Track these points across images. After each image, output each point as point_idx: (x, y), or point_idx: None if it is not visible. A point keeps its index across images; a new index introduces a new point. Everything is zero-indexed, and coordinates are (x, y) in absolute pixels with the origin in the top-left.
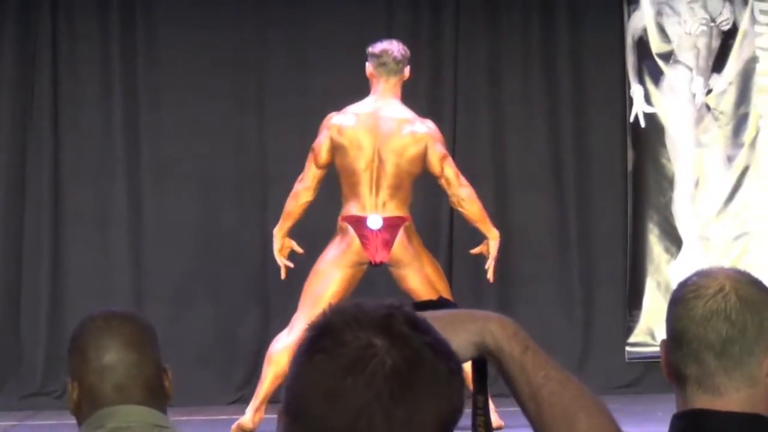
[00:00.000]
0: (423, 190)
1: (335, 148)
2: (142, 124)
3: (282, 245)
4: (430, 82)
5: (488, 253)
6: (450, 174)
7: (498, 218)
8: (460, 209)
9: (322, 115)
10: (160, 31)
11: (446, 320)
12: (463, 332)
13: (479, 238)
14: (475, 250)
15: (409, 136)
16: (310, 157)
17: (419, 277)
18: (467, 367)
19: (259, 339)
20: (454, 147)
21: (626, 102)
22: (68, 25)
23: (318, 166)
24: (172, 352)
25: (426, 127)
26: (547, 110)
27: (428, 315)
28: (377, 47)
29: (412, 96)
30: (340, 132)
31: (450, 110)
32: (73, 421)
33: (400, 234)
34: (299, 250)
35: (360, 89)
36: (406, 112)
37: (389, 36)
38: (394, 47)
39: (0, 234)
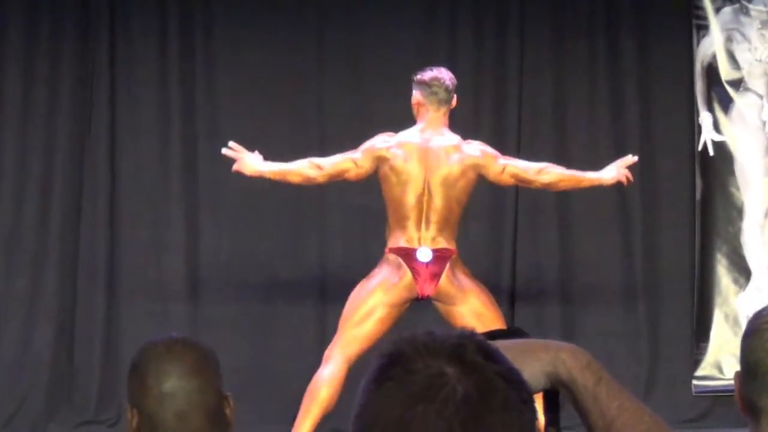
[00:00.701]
0: (483, 221)
1: (381, 177)
2: (200, 149)
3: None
4: (493, 108)
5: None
6: (516, 171)
7: (562, 249)
8: (553, 187)
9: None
10: (218, 56)
11: (518, 349)
12: (535, 362)
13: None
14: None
15: (457, 165)
16: (351, 157)
17: (467, 310)
18: (538, 398)
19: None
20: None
21: (695, 130)
22: (127, 47)
23: (343, 177)
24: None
25: (473, 149)
26: (613, 137)
27: (500, 344)
28: (426, 75)
29: (474, 124)
30: (389, 163)
31: (514, 135)
32: None
33: (447, 267)
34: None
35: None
36: (453, 139)
37: (451, 63)
38: (444, 75)
39: (56, 258)
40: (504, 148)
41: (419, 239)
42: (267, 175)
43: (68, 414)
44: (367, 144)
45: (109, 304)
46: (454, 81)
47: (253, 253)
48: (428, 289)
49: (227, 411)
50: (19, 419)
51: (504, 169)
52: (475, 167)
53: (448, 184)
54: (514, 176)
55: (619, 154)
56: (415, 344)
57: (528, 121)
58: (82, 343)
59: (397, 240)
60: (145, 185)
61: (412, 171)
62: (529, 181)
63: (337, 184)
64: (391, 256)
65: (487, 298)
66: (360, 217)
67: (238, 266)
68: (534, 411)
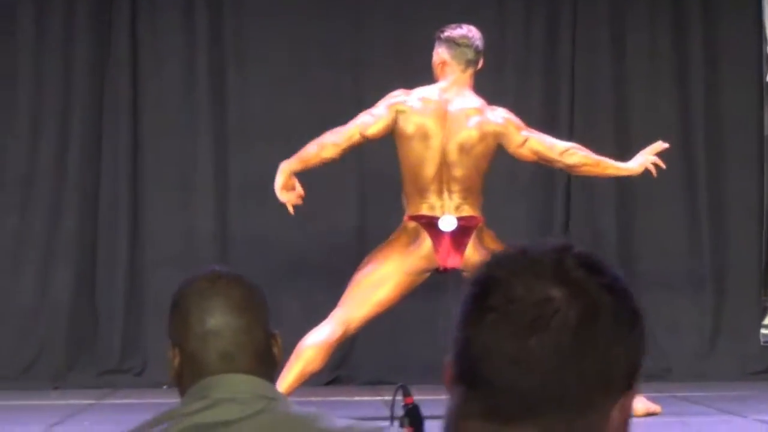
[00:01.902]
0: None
1: (397, 134)
2: (228, 78)
3: (286, 182)
4: (546, 35)
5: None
6: (538, 147)
7: (622, 187)
8: (575, 170)
9: (423, 70)
10: None
11: None
12: None
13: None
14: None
15: (476, 129)
16: (360, 121)
17: None
18: None
19: None
20: (573, 109)
21: (762, 60)
22: None
23: (363, 134)
24: None
25: (495, 116)
26: (676, 69)
27: None
28: (456, 32)
29: (525, 67)
30: (407, 117)
31: (568, 70)
32: (154, 400)
33: (473, 236)
34: (301, 191)
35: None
36: (476, 101)
37: (502, 17)
38: (474, 34)
39: (75, 196)
40: (558, 80)
41: (442, 207)
42: (292, 172)
43: (90, 362)
44: (384, 99)
45: (132, 245)
46: (483, 41)
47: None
48: (453, 261)
49: (275, 350)
50: (38, 368)
51: (525, 141)
52: (495, 135)
53: (465, 149)
54: (536, 152)
55: (682, 86)
56: (509, 266)
57: (582, 46)
58: (104, 287)
59: (417, 207)
60: (170, 116)
61: (429, 129)
62: (551, 160)
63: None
64: (411, 224)
65: None
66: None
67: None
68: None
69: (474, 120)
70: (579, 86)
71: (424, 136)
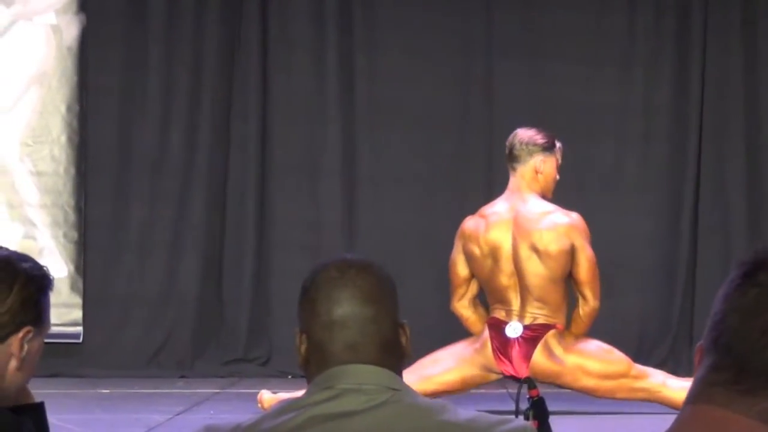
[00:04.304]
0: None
1: (469, 259)
2: (357, 66)
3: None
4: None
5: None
6: (588, 293)
7: (752, 180)
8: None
9: (553, 57)
10: None
11: None
12: None
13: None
14: None
15: (551, 229)
16: (452, 274)
17: (584, 383)
18: None
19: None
20: (704, 90)
21: None
22: None
23: (458, 284)
24: None
25: (569, 218)
26: None
27: None
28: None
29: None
30: (470, 240)
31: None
32: (279, 389)
33: (540, 345)
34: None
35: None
36: (545, 206)
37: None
38: (521, 134)
39: (203, 183)
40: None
41: (516, 313)
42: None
43: (216, 351)
44: (453, 250)
45: (260, 235)
46: (534, 138)
47: (416, 172)
48: (521, 369)
49: (403, 340)
50: (165, 355)
51: (591, 265)
52: (567, 236)
53: (539, 253)
54: (587, 289)
55: None
56: None
57: (713, 32)
58: (231, 276)
59: (495, 310)
60: (299, 103)
61: (497, 243)
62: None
63: (506, 101)
64: (485, 330)
65: (601, 359)
66: None
67: (399, 189)
68: None
69: (547, 220)
70: (709, 67)
71: (492, 253)
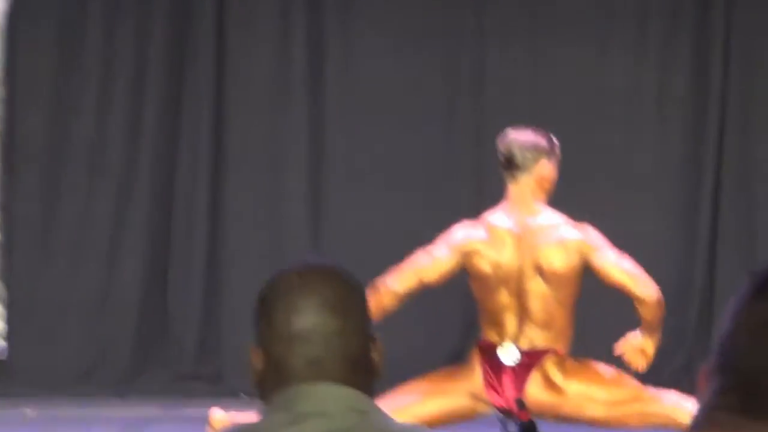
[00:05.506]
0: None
1: (471, 276)
2: (328, 46)
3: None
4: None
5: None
6: (636, 292)
7: None
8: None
9: (553, 37)
10: None
11: None
12: None
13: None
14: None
15: (558, 245)
16: (416, 264)
17: (587, 415)
18: None
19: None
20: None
21: None
22: None
23: (421, 284)
24: None
25: (579, 231)
26: None
27: None
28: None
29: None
30: (473, 255)
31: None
32: (230, 410)
33: (536, 373)
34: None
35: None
36: (554, 218)
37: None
38: (519, 138)
39: (148, 177)
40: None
41: (512, 336)
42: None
43: (160, 367)
44: (436, 248)
45: (212, 237)
46: (537, 143)
47: (392, 164)
48: (512, 401)
49: (374, 355)
50: (102, 372)
51: (618, 261)
52: (578, 251)
53: (544, 270)
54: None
55: None
56: None
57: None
58: (178, 283)
59: (487, 332)
60: (259, 91)
61: (501, 258)
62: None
63: (497, 86)
64: (475, 350)
65: (607, 384)
66: None
67: (370, 179)
68: None
69: (554, 235)
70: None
71: (496, 270)
